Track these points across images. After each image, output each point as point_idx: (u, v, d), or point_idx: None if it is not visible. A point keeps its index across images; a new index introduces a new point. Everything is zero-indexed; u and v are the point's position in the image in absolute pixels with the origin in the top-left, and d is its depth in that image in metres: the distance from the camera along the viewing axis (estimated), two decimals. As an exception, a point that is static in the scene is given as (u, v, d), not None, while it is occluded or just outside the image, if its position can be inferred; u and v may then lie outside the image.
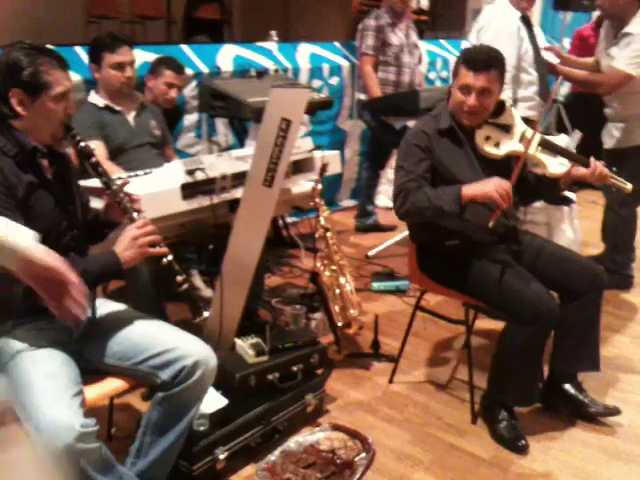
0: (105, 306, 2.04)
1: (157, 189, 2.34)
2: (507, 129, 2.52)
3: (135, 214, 1.93)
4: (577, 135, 2.57)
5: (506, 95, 3.36)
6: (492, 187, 2.27)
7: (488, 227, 2.27)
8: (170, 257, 1.91)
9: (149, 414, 1.93)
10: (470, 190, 2.31)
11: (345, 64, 5.11)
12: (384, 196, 5.31)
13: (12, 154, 1.79)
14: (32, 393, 1.68)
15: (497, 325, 3.08)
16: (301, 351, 2.50)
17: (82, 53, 3.78)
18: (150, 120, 3.15)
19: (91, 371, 1.90)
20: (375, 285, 3.73)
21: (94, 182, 2.11)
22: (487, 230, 2.30)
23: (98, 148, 2.89)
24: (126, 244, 1.85)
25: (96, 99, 3.03)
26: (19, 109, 1.80)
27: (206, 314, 2.15)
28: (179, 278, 1.92)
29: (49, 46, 1.90)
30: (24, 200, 1.78)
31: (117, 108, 3.03)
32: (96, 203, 2.17)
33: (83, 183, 2.18)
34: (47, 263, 1.44)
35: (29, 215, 1.78)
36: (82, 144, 1.92)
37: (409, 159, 2.45)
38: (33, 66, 1.78)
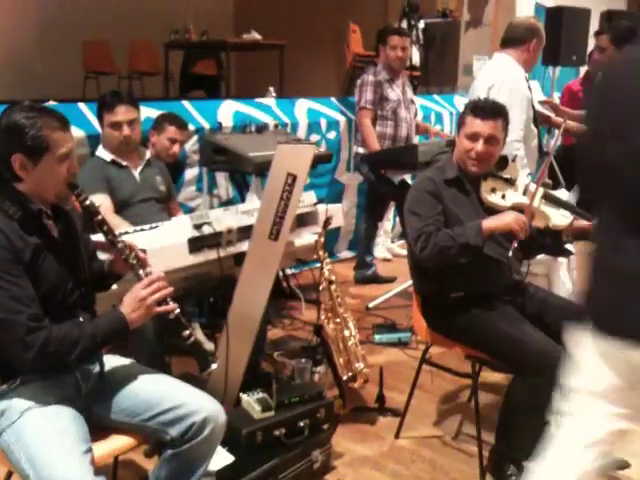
0: (112, 361, 2.03)
1: (165, 243, 2.35)
2: (511, 182, 2.59)
3: (141, 272, 1.91)
4: (578, 189, 2.63)
5: (521, 153, 3.40)
6: (512, 219, 2.38)
7: (508, 256, 2.43)
8: (177, 311, 1.91)
9: (157, 472, 1.91)
10: (490, 223, 2.40)
11: (342, 119, 5.21)
12: (382, 247, 5.35)
13: (17, 217, 1.76)
14: (42, 451, 1.66)
15: (503, 378, 3.07)
16: (307, 406, 2.48)
17: (85, 109, 3.84)
18: (156, 176, 3.18)
19: (98, 427, 1.88)
20: (377, 337, 3.73)
21: (99, 237, 2.12)
22: (506, 258, 2.47)
23: (104, 201, 2.92)
24: (134, 305, 1.84)
25: (104, 153, 3.06)
26: (21, 173, 1.77)
27: (214, 366, 2.13)
28: (186, 332, 1.92)
29: (51, 102, 1.91)
30: (31, 263, 1.76)
31: (123, 163, 3.07)
32: (102, 255, 2.17)
33: (93, 237, 2.18)
34: None
35: (37, 277, 1.77)
36: (87, 202, 1.89)
37: (422, 204, 2.50)
38: (34, 129, 1.74)
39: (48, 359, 1.73)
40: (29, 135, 1.74)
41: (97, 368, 1.95)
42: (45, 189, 1.82)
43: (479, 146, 2.49)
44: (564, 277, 3.76)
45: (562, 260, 3.77)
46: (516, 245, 2.40)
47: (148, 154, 3.22)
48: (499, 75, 3.53)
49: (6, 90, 6.29)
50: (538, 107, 3.76)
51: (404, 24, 7.06)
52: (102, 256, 2.16)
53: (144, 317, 1.87)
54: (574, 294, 3.78)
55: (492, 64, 3.70)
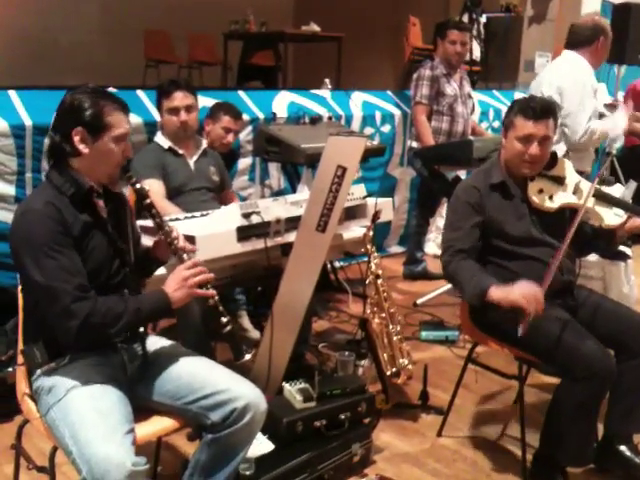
0: (156, 343, 2.06)
1: (214, 230, 2.38)
2: (560, 181, 2.50)
3: (185, 255, 1.96)
4: (633, 185, 2.51)
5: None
6: (518, 294, 2.20)
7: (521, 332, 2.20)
8: (216, 298, 1.93)
9: (198, 455, 1.93)
10: (497, 293, 2.26)
11: (397, 112, 5.17)
12: (433, 244, 5.29)
13: (69, 194, 1.83)
14: (85, 429, 1.69)
15: (549, 381, 3.00)
16: (349, 399, 2.47)
17: (143, 96, 3.91)
18: (210, 166, 3.22)
19: (141, 409, 1.91)
20: (424, 334, 3.69)
21: (148, 222, 2.15)
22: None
23: (158, 186, 2.97)
24: (176, 284, 1.88)
25: (161, 140, 3.12)
26: (81, 147, 1.84)
27: (248, 356, 2.14)
28: (223, 320, 1.94)
29: (111, 89, 1.97)
30: (80, 238, 1.82)
31: (180, 151, 3.11)
32: (146, 240, 2.21)
33: (139, 222, 2.22)
34: None
35: (85, 252, 1.83)
36: (138, 185, 1.96)
37: (458, 214, 2.48)
38: (96, 107, 1.83)
39: (92, 330, 1.77)
40: (91, 112, 1.83)
41: (140, 349, 1.98)
42: (99, 167, 1.88)
43: (533, 149, 2.40)
44: (621, 282, 3.65)
45: (620, 264, 3.66)
46: (529, 319, 2.16)
47: (205, 144, 3.26)
48: (570, 78, 3.43)
49: (69, 76, 6.44)
50: (602, 110, 3.65)
51: (465, 18, 6.95)
52: (145, 241, 2.20)
53: (186, 297, 1.90)
54: (630, 300, 3.66)
55: (562, 62, 3.58)
